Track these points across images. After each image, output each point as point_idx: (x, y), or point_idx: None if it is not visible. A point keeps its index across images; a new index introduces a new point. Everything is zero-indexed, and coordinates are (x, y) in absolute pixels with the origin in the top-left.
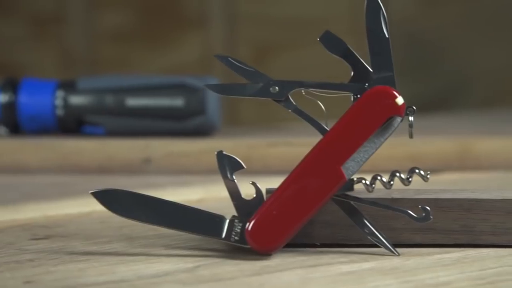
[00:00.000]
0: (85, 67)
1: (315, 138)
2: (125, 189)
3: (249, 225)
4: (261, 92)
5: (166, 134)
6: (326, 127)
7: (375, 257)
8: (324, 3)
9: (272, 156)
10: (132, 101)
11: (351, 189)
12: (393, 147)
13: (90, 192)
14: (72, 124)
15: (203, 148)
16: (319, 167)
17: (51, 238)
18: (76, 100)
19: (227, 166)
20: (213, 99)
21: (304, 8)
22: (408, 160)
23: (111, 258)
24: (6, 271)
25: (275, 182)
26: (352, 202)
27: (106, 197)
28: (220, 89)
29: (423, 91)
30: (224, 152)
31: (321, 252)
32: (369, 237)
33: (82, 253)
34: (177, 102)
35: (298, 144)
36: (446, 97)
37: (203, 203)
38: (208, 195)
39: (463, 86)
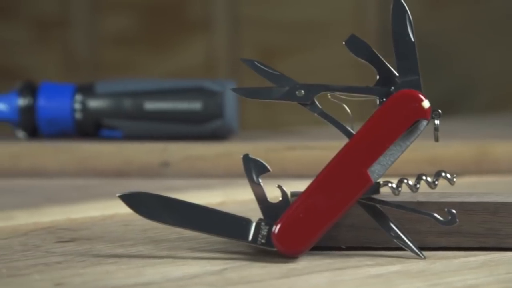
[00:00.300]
0: (88, 70)
1: (332, 142)
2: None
3: (276, 228)
4: (287, 96)
5: (183, 137)
6: (352, 131)
7: (401, 260)
8: (328, 7)
9: (290, 159)
10: (150, 105)
11: (377, 192)
12: (410, 150)
13: (117, 195)
14: (90, 128)
15: (221, 152)
16: (345, 170)
17: (76, 241)
18: (94, 103)
19: (253, 169)
20: (230, 103)
21: (308, 12)
22: (425, 163)
23: (138, 261)
24: (35, 273)
25: (292, 185)
26: (378, 205)
27: (133, 200)
28: (247, 92)
29: (428, 95)
30: (250, 156)
31: (347, 255)
32: (395, 240)
33: (108, 256)
34: (195, 105)
35: (316, 148)
36: (451, 100)
37: (224, 207)
38: (229, 198)
39: (468, 90)
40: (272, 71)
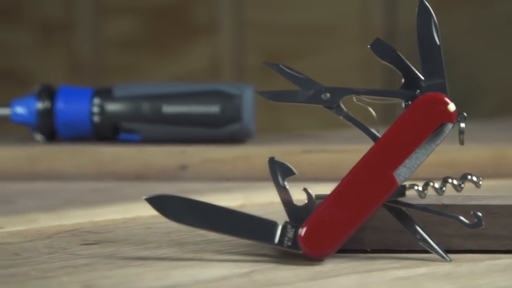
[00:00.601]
0: (93, 74)
1: (348, 145)
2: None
3: (302, 231)
4: (312, 99)
5: (201, 141)
6: (377, 134)
7: (426, 263)
8: (334, 10)
9: (307, 162)
10: (168, 108)
11: (403, 195)
12: None
13: (143, 198)
14: (108, 131)
15: (239, 155)
16: (371, 173)
17: (101, 243)
18: (112, 107)
19: (279, 172)
20: (248, 106)
21: (313, 16)
22: (442, 167)
23: (164, 263)
24: (63, 276)
25: (310, 189)
26: (403, 208)
27: (159, 203)
28: (273, 96)
29: None
30: (275, 159)
31: (372, 258)
32: (420, 243)
33: (134, 258)
34: (213, 109)
35: (332, 151)
36: (457, 104)
37: (245, 209)
38: (248, 201)
39: (473, 94)
40: (297, 74)
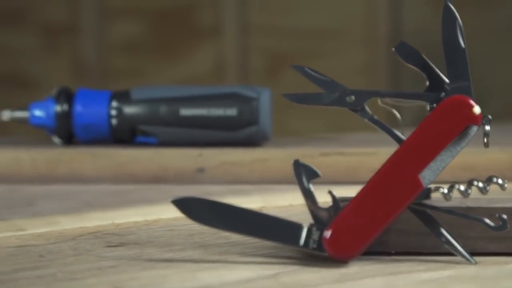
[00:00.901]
0: (97, 77)
1: (366, 148)
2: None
3: (327, 233)
4: (337, 101)
5: (218, 144)
6: (402, 136)
7: (451, 266)
8: (338, 14)
9: (325, 165)
10: (186, 111)
11: (428, 197)
12: None
13: (170, 200)
14: (126, 134)
15: (257, 158)
16: (396, 176)
17: (125, 245)
18: (130, 110)
19: (304, 174)
20: (265, 109)
21: (318, 19)
22: (460, 169)
23: (190, 265)
24: (91, 277)
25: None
26: (428, 211)
27: (186, 205)
28: (297, 98)
29: None
30: (300, 161)
31: (397, 260)
32: (445, 246)
33: (160, 260)
34: (231, 111)
35: (350, 154)
36: None
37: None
38: (267, 204)
39: (479, 97)
40: (322, 77)
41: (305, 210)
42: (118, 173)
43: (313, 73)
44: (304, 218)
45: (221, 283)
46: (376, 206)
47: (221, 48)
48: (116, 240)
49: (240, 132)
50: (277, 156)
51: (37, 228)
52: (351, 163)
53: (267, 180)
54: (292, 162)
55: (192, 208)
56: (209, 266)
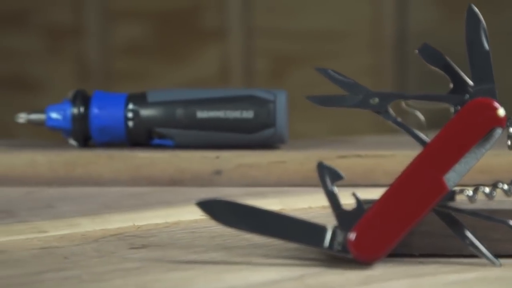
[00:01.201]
0: (101, 80)
1: (383, 150)
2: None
3: (352, 235)
4: (361, 104)
5: (234, 146)
6: (426, 138)
7: (476, 268)
8: (344, 16)
9: (342, 167)
10: (202, 114)
11: (452, 199)
12: None
13: (195, 202)
14: (142, 137)
15: (274, 160)
16: (420, 178)
17: (148, 247)
18: (147, 112)
19: (328, 176)
20: (282, 112)
21: (323, 21)
22: (476, 172)
23: (214, 267)
24: (117, 279)
25: (346, 194)
26: (452, 213)
27: (210, 207)
28: (321, 100)
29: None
30: (324, 163)
31: (421, 262)
32: (469, 248)
33: (184, 262)
34: (247, 114)
35: (367, 156)
36: None
37: None
38: (286, 206)
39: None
40: (346, 79)
41: (325, 212)
42: (135, 175)
43: (337, 75)
44: (324, 221)
45: (246, 285)
46: (401, 208)
47: (226, 51)
48: (138, 242)
49: (256, 134)
50: (294, 159)
51: (58, 230)
52: (368, 166)
53: (284, 183)
54: (312, 164)
55: (216, 210)
56: (233, 267)
